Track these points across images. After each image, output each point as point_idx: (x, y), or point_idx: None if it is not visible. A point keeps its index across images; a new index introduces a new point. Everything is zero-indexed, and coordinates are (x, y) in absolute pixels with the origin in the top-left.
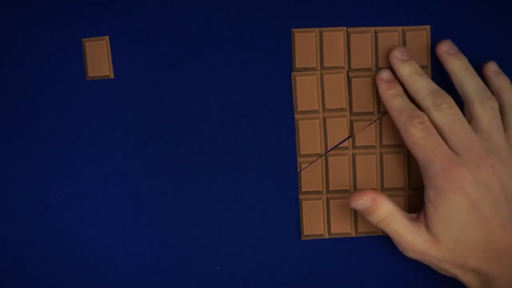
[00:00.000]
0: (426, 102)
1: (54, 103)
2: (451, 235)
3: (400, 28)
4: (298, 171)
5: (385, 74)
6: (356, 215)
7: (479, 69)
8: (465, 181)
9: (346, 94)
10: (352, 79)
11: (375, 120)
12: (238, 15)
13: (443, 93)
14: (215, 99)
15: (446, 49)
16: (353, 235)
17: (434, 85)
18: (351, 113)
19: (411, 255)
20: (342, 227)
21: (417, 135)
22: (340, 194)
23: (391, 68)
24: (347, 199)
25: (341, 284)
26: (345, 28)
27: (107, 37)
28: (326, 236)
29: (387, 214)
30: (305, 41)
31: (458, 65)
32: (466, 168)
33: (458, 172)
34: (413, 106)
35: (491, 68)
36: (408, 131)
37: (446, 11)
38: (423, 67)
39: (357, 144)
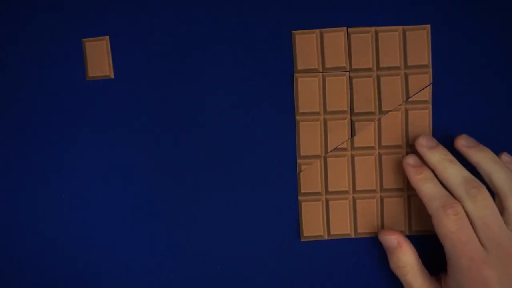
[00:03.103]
0: (460, 191)
1: (54, 103)
2: None
3: (400, 27)
4: (297, 173)
5: (411, 159)
6: (356, 216)
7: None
8: (491, 282)
9: (347, 97)
10: (353, 79)
11: (377, 119)
12: (238, 17)
13: (477, 183)
14: (215, 100)
15: (464, 143)
16: (353, 236)
17: (467, 173)
18: (352, 113)
19: None
20: (341, 228)
21: (450, 227)
22: (340, 195)
23: (417, 153)
24: (380, 233)
25: (341, 285)
26: (345, 28)
27: (107, 37)
28: (326, 237)
29: (407, 263)
30: (305, 43)
31: (483, 157)
32: (494, 269)
33: (485, 274)
34: (446, 192)
35: (504, 158)
36: (441, 221)
37: (446, 11)
38: (423, 66)
39: (356, 145)
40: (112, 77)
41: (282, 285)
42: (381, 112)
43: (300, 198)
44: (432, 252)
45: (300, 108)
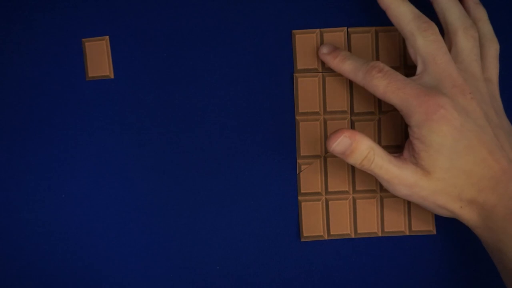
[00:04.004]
0: (411, 26)
1: (54, 103)
2: (441, 165)
3: None
4: (297, 173)
5: (324, 49)
6: (356, 216)
7: None
8: (446, 108)
9: (347, 97)
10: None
11: (377, 119)
12: (239, 17)
13: (427, 19)
14: (215, 99)
15: None
16: (353, 236)
17: (417, 11)
18: (352, 113)
19: (402, 191)
20: (341, 228)
21: (382, 84)
22: (339, 195)
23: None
24: (326, 144)
25: (340, 285)
26: (345, 28)
27: (107, 37)
28: (326, 238)
29: (368, 149)
30: (306, 42)
31: None
32: (444, 96)
33: (436, 101)
34: (363, 60)
35: None
36: (372, 85)
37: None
38: None
39: None
40: (112, 77)
41: (282, 285)
42: (381, 112)
43: (300, 198)
44: (432, 252)
45: (300, 108)
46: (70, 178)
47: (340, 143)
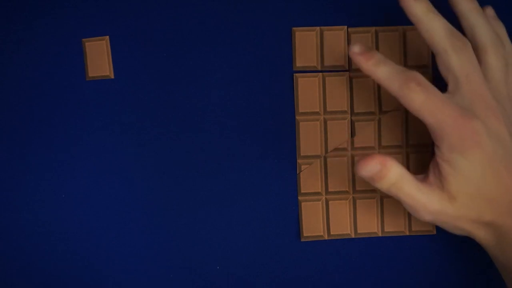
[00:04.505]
0: (444, 44)
1: (54, 103)
2: (467, 192)
3: (400, 27)
4: (297, 173)
5: (357, 47)
6: (356, 216)
7: None
8: (480, 134)
9: (347, 97)
10: (353, 79)
11: (377, 119)
12: (239, 16)
13: (462, 36)
14: (215, 99)
15: None
16: (353, 236)
17: (451, 26)
18: (352, 113)
19: (426, 217)
20: (341, 228)
21: (419, 99)
22: (339, 195)
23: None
24: (355, 168)
25: (340, 285)
26: (345, 27)
27: (107, 37)
28: (326, 238)
29: (397, 177)
30: (305, 40)
31: (469, 7)
32: (478, 120)
33: (472, 126)
34: (401, 68)
35: (489, 13)
36: (408, 98)
37: (446, 10)
38: (423, 66)
39: (356, 145)
40: (112, 77)
41: (282, 285)
42: (381, 112)
43: (300, 198)
44: (433, 252)
45: (300, 108)
46: (70, 178)
47: (370, 169)
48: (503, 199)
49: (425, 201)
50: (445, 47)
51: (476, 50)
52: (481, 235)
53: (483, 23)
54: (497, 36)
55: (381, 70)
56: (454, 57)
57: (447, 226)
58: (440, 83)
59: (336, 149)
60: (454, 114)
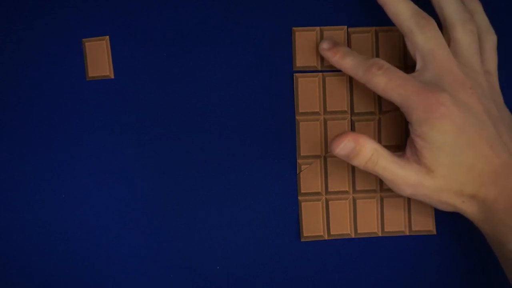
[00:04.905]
0: (409, 23)
1: (54, 103)
2: (443, 162)
3: None
4: (297, 173)
5: (325, 44)
6: (356, 216)
7: None
8: (446, 105)
9: (347, 97)
10: (353, 79)
11: (377, 119)
12: (239, 16)
13: (426, 15)
14: (215, 99)
15: None
16: (353, 236)
17: (416, 7)
18: (352, 113)
19: (407, 190)
20: (341, 228)
21: (382, 81)
22: (339, 195)
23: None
24: (329, 148)
25: (340, 285)
26: (345, 27)
27: (107, 37)
28: (326, 238)
29: (372, 152)
30: (305, 40)
31: None
32: (444, 92)
33: (436, 98)
34: (364, 57)
35: None
36: (372, 82)
37: None
38: None
39: None
40: (112, 77)
41: (282, 285)
42: (381, 112)
43: (300, 198)
44: (432, 252)
45: (300, 108)
46: (70, 178)
47: (344, 146)
48: (483, 169)
49: (403, 174)
50: (410, 26)
51: (446, 28)
52: (467, 209)
53: (450, 1)
54: (467, 12)
55: (347, 61)
56: (418, 34)
57: (430, 200)
58: None
59: None
60: (417, 89)
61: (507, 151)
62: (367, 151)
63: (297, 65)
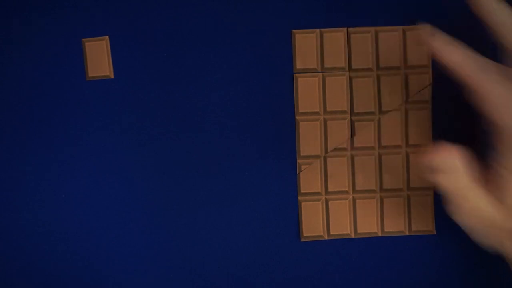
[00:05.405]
0: None
1: (54, 103)
2: None
3: (400, 28)
4: (297, 173)
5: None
6: (356, 216)
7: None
8: None
9: (347, 97)
10: (353, 79)
11: (377, 119)
12: (239, 17)
13: None
14: (215, 99)
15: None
16: (353, 236)
17: None
18: (352, 113)
19: (475, 225)
20: (341, 228)
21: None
22: (339, 195)
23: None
24: (428, 159)
25: (340, 285)
26: (345, 28)
27: (107, 37)
28: (326, 237)
29: (468, 188)
30: (305, 42)
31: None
32: None
33: None
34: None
35: None
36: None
37: (446, 11)
38: (423, 66)
39: (356, 145)
40: (112, 77)
41: (282, 285)
42: (381, 112)
43: (300, 198)
44: (432, 252)
45: (300, 108)
46: (70, 178)
47: (449, 162)
48: None
49: (489, 214)
50: None
51: None
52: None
53: None
54: None
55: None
56: None
57: (486, 234)
58: (440, 84)
59: (336, 149)
60: None
61: None
62: (463, 180)
63: (297, 67)
